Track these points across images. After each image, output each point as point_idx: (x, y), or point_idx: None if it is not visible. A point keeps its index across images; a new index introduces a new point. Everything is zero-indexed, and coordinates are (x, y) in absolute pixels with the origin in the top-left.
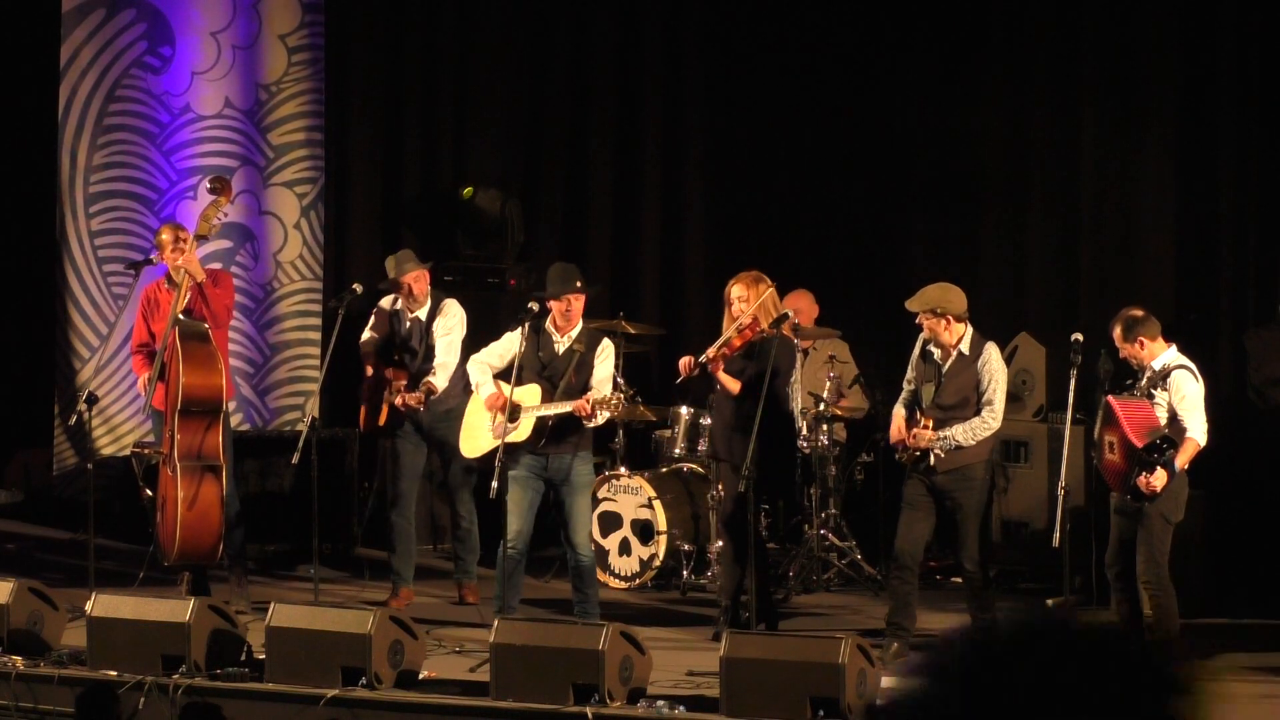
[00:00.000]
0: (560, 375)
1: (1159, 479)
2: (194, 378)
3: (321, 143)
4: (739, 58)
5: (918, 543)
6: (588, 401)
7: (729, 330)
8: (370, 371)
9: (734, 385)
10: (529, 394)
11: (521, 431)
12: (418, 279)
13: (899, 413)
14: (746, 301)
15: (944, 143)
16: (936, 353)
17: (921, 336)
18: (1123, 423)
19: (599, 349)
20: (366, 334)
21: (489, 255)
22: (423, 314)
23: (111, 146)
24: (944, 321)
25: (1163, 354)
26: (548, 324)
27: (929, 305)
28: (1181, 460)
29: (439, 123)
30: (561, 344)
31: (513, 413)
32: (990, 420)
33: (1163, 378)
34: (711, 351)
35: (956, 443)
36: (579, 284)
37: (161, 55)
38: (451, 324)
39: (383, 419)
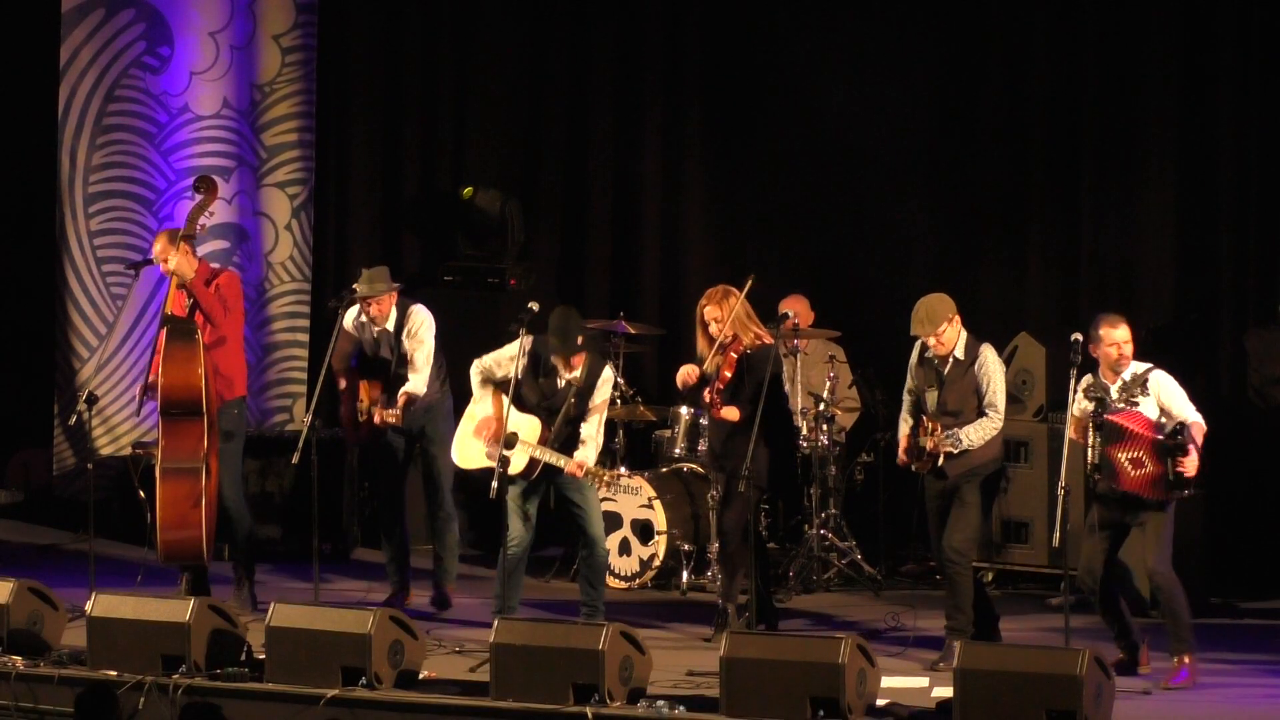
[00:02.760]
0: (560, 405)
1: (1193, 460)
2: (171, 377)
3: (313, 144)
4: (739, 57)
5: None
6: (580, 468)
7: (712, 358)
8: (344, 385)
9: (734, 414)
10: (528, 427)
11: (516, 464)
12: (380, 302)
13: (904, 429)
14: (719, 320)
15: (943, 142)
16: (935, 357)
17: (919, 343)
18: (1139, 431)
19: (600, 379)
20: (334, 350)
21: (489, 255)
22: (390, 324)
23: (110, 146)
24: (944, 326)
25: (1130, 363)
26: (552, 358)
27: (935, 325)
28: (1198, 443)
29: (439, 123)
30: (564, 377)
31: (509, 440)
32: (995, 421)
33: (1141, 384)
34: (708, 395)
35: (963, 444)
36: (580, 341)
37: (160, 55)
38: (420, 331)
39: (364, 431)
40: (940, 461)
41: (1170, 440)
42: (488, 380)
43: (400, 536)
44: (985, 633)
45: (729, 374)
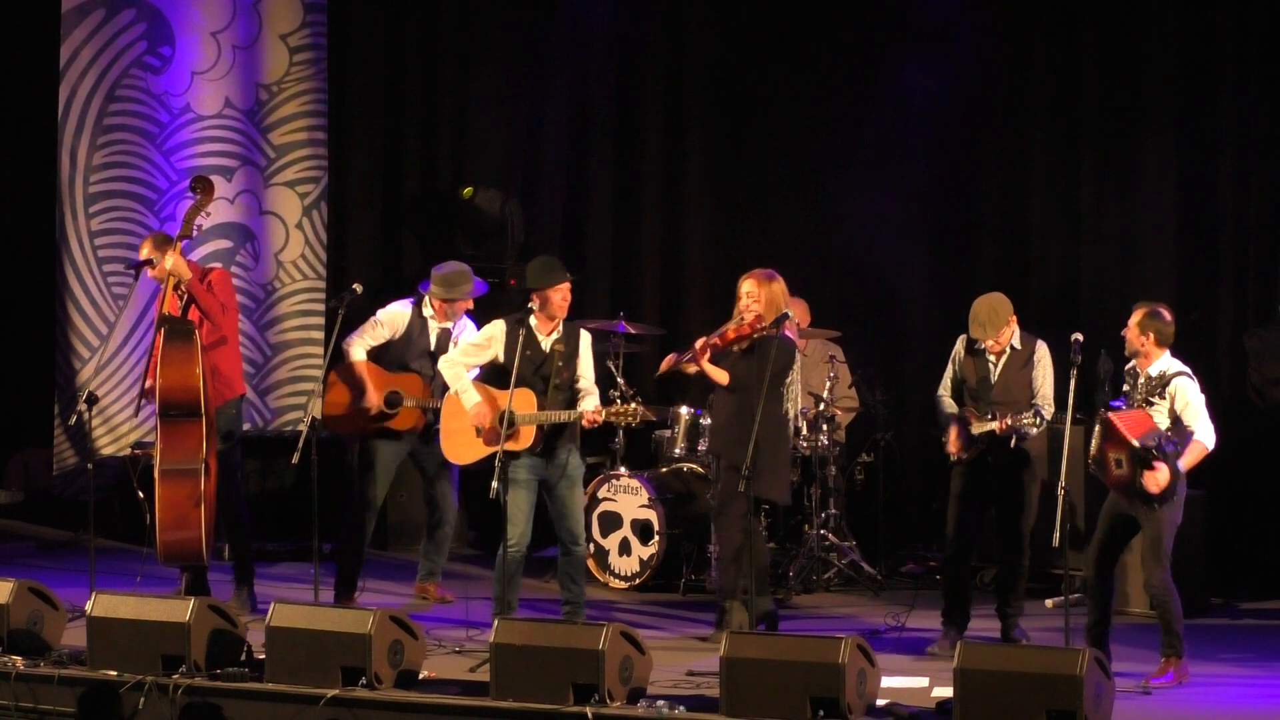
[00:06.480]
0: (551, 374)
1: (1161, 475)
2: (169, 378)
3: (324, 142)
4: (740, 58)
5: (972, 538)
6: (599, 413)
7: (730, 323)
8: (367, 378)
9: (722, 376)
10: (522, 400)
11: (524, 439)
12: (468, 306)
13: (952, 419)
14: (756, 299)
15: (943, 143)
16: (988, 349)
17: (964, 336)
18: (1124, 433)
19: (580, 341)
20: (366, 345)
21: (489, 255)
22: (450, 324)
23: (111, 146)
24: (1003, 330)
25: (1160, 359)
26: (533, 322)
27: (997, 328)
28: (1187, 461)
29: (439, 123)
30: (546, 342)
31: (509, 420)
32: (1049, 413)
33: (1161, 385)
34: (700, 342)
35: (1044, 421)
36: (566, 272)
37: (161, 55)
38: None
39: (409, 423)
40: (1013, 443)
41: (1144, 450)
42: (463, 374)
43: (363, 539)
44: (956, 622)
45: (732, 335)
